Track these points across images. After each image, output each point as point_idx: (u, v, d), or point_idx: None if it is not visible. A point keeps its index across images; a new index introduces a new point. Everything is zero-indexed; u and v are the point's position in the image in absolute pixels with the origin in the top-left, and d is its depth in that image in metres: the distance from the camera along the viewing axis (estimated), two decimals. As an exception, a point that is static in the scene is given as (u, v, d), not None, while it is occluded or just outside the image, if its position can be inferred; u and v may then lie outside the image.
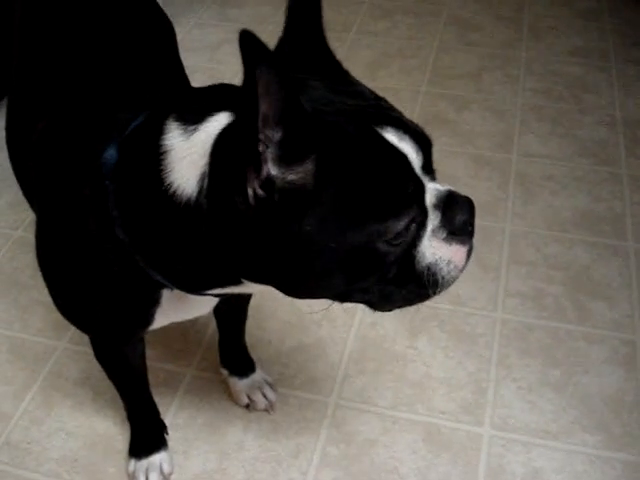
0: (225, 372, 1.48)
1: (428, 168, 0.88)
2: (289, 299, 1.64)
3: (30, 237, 1.08)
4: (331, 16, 2.80)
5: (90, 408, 1.48)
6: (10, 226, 1.89)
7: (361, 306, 1.63)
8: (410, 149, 0.83)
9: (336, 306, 1.00)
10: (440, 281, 0.89)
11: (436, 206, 0.87)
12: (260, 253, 0.83)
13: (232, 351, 1.47)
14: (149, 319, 1.05)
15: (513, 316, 1.64)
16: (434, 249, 0.87)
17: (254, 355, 1.50)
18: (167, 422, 1.42)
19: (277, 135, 0.75)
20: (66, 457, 1.40)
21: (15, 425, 1.45)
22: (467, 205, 0.90)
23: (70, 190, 0.96)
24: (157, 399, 1.38)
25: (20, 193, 1.20)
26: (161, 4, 1.40)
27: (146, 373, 1.31)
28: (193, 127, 0.84)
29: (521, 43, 2.59)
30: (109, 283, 0.98)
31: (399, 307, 0.93)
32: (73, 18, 1.21)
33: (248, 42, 0.66)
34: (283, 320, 1.63)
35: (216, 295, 1.00)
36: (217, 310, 1.32)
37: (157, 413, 1.39)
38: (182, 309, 1.06)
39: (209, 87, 0.92)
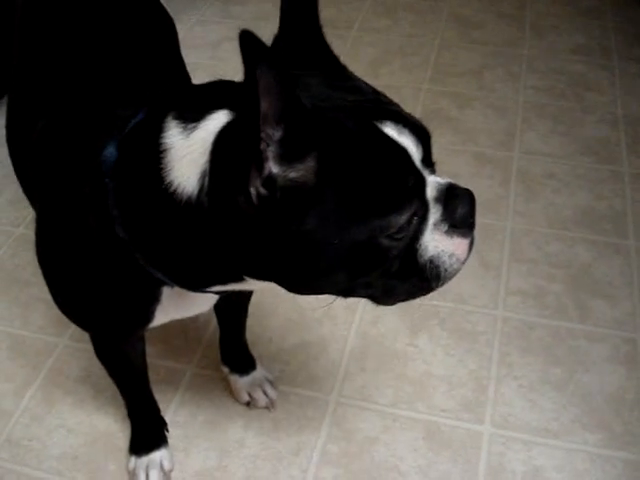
0: (226, 369, 1.48)
1: (428, 161, 0.88)
2: (290, 296, 1.64)
3: (31, 234, 1.08)
4: (333, 13, 2.82)
5: (91, 405, 1.48)
6: (11, 223, 1.89)
7: (362, 304, 1.64)
8: (410, 143, 0.84)
9: (337, 304, 1.00)
10: (443, 274, 0.89)
11: (437, 199, 0.87)
12: (262, 250, 0.83)
13: (233, 348, 1.47)
14: (149, 317, 1.04)
15: (514, 314, 1.64)
16: (436, 242, 0.87)
17: (255, 352, 1.50)
18: (167, 419, 1.42)
19: (278, 133, 0.75)
20: (67, 454, 1.40)
21: (16, 422, 1.45)
22: (468, 197, 0.90)
23: (70, 188, 0.96)
24: (157, 396, 1.38)
25: (21, 190, 1.20)
26: (163, 1, 1.40)
27: (146, 370, 1.31)
28: (193, 125, 0.84)
29: (523, 41, 2.59)
30: (109, 281, 0.98)
31: (402, 301, 0.94)
32: (74, 15, 1.21)
33: (248, 42, 0.66)
34: (284, 317, 1.63)
35: (217, 292, 1.00)
36: (218, 307, 1.32)
37: (157, 410, 1.39)
38: (182, 306, 1.06)
39: (207, 84, 0.92)
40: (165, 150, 0.84)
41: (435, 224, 0.87)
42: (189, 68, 1.37)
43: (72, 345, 1.58)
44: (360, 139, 0.81)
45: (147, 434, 1.38)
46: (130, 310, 1.04)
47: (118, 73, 1.10)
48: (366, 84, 0.91)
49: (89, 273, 0.98)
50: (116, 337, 1.18)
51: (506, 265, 1.75)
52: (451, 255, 0.88)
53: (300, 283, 0.89)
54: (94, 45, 1.15)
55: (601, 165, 2.04)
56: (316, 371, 1.52)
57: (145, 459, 1.36)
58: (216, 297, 1.09)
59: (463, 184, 0.91)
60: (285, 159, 0.77)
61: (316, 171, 0.78)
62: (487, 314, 1.64)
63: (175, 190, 0.84)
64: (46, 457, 1.39)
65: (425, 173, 0.86)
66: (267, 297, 1.66)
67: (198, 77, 1.18)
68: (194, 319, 1.57)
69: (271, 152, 0.76)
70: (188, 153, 0.83)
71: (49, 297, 1.08)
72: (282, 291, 0.91)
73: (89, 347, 1.23)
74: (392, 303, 0.94)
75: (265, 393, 1.46)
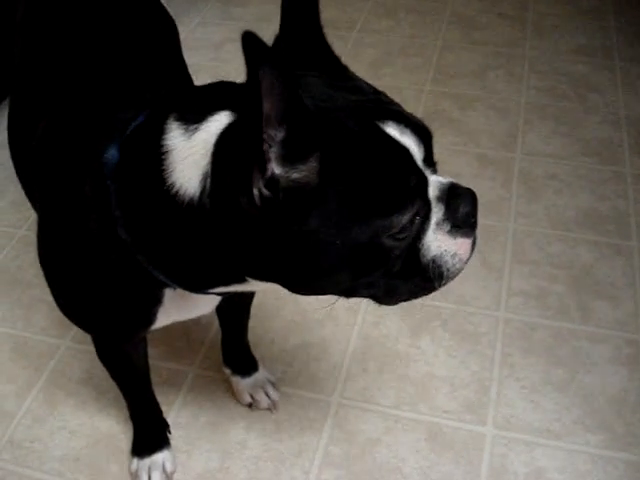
0: (228, 371, 1.48)
1: (429, 161, 0.88)
2: (292, 298, 1.65)
3: (34, 236, 1.08)
4: (334, 14, 2.82)
5: (93, 407, 1.48)
6: (14, 225, 1.89)
7: (364, 305, 1.64)
8: (412, 143, 0.84)
9: (339, 305, 1.00)
10: (445, 273, 0.89)
11: (439, 199, 0.87)
12: (265, 251, 0.83)
13: (235, 350, 1.47)
14: (151, 318, 1.04)
15: (516, 315, 1.63)
16: (439, 242, 0.87)
17: (257, 354, 1.50)
18: (170, 421, 1.42)
19: (280, 134, 0.75)
20: (69, 456, 1.40)
21: (18, 424, 1.45)
22: (469, 197, 0.90)
23: (72, 190, 0.96)
24: (160, 398, 1.38)
25: (23, 192, 1.20)
26: (164, 2, 1.40)
27: (148, 372, 1.31)
28: (194, 127, 0.84)
29: (525, 42, 2.58)
30: (111, 283, 0.98)
31: (404, 300, 0.94)
32: (75, 17, 1.21)
33: (250, 43, 0.66)
34: (286, 319, 1.63)
35: (219, 294, 1.00)
36: (220, 309, 1.32)
37: (160, 412, 1.39)
38: (185, 308, 1.06)
39: (208, 85, 0.92)
40: (167, 152, 0.84)
41: (437, 224, 0.87)
42: (191, 70, 1.37)
43: (74, 347, 1.59)
44: (362, 139, 0.81)
45: (149, 436, 1.38)
46: (132, 312, 1.04)
47: (119, 75, 1.10)
48: (367, 84, 0.91)
49: (91, 275, 0.98)
50: (118, 339, 1.18)
51: (508, 266, 1.75)
52: (454, 255, 0.88)
53: (302, 283, 0.89)
54: (95, 47, 1.15)
55: (603, 166, 2.04)
56: (318, 372, 1.52)
57: (147, 461, 1.36)
58: (218, 299, 1.09)
59: (465, 185, 0.92)
60: (287, 160, 0.77)
61: (318, 171, 0.78)
62: (489, 315, 1.64)
63: (177, 192, 0.84)
64: (48, 459, 1.39)
65: (427, 173, 0.86)
66: (269, 299, 1.66)
67: (200, 79, 1.18)
68: (196, 321, 1.57)
69: (273, 153, 0.76)
70: (190, 155, 0.83)
71: (51, 299, 1.08)
72: (284, 292, 0.91)
73: (91, 349, 1.23)
74: (394, 303, 0.94)
75: (267, 395, 1.46)
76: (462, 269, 0.90)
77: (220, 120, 0.83)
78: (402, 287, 0.90)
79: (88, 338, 1.22)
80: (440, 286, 0.91)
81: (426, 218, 0.86)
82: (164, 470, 1.36)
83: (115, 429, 1.44)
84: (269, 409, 1.46)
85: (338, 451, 1.39)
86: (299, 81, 0.81)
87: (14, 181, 1.22)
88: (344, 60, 0.94)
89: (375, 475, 1.36)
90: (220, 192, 0.81)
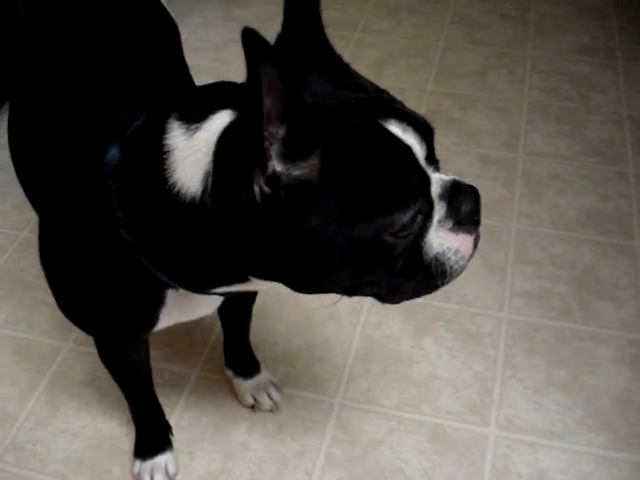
0: (230, 373, 1.47)
1: (432, 158, 0.88)
2: (295, 299, 1.65)
3: (36, 238, 1.08)
4: (336, 15, 2.82)
5: (95, 409, 1.48)
6: (16, 227, 1.89)
7: (367, 306, 1.63)
8: (414, 141, 0.83)
9: (342, 307, 0.99)
10: (448, 271, 0.89)
11: (441, 196, 0.87)
12: (267, 250, 0.83)
13: (237, 351, 1.47)
14: (154, 320, 1.04)
15: (519, 316, 1.63)
16: (441, 239, 0.87)
17: (259, 355, 1.50)
18: (172, 423, 1.42)
19: (281, 131, 0.75)
20: (71, 458, 1.40)
21: (20, 426, 1.45)
22: (472, 194, 0.89)
23: (73, 191, 0.96)
24: (162, 400, 1.38)
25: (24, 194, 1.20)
26: (166, 3, 1.40)
27: (150, 374, 1.30)
28: (195, 126, 0.84)
29: (527, 41, 2.58)
30: (113, 284, 0.98)
31: (407, 299, 0.94)
32: (76, 18, 1.21)
33: (250, 39, 0.65)
34: (288, 320, 1.63)
35: (221, 294, 0.99)
36: (222, 310, 1.32)
37: (162, 414, 1.39)
38: (187, 309, 1.06)
39: (210, 85, 0.92)
40: (168, 151, 0.84)
41: (440, 221, 0.87)
42: (193, 71, 1.37)
43: (77, 349, 1.58)
44: (364, 137, 0.81)
45: (152, 438, 1.38)
46: (134, 313, 1.04)
47: (120, 76, 1.10)
48: (369, 82, 0.91)
49: (92, 276, 0.98)
50: (120, 341, 1.18)
51: (511, 267, 1.75)
52: (456, 252, 0.88)
53: (304, 282, 0.89)
54: (97, 48, 1.15)
55: (606, 166, 2.03)
56: (321, 374, 1.52)
57: (150, 463, 1.36)
58: (220, 299, 1.09)
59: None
60: (289, 157, 0.77)
61: (320, 169, 0.78)
62: (492, 316, 1.63)
63: (179, 191, 0.84)
64: (51, 461, 1.39)
65: (429, 171, 0.86)
66: (271, 300, 1.66)
67: (202, 80, 1.18)
68: (198, 322, 1.57)
69: (274, 150, 0.76)
70: (191, 154, 0.83)
71: (53, 301, 1.08)
72: (287, 293, 0.91)
73: (94, 351, 1.23)
74: (397, 302, 0.93)
75: (269, 396, 1.46)
76: (465, 267, 0.90)
77: (221, 119, 0.83)
78: (405, 286, 0.90)
79: (90, 340, 1.22)
80: (443, 284, 0.90)
81: (428, 216, 0.86)
82: (166, 472, 1.36)
83: (117, 431, 1.44)
84: (271, 410, 1.45)
85: (341, 452, 1.39)
86: (301, 79, 0.81)
87: (16, 183, 1.22)
88: (346, 60, 0.94)
89: (378, 476, 1.35)
90: (222, 190, 0.81)
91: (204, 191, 0.82)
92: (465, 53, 2.53)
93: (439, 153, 0.89)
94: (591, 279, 1.71)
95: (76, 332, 1.59)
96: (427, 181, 0.85)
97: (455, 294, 1.67)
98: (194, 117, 0.84)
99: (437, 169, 0.89)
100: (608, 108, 2.25)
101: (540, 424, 1.42)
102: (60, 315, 1.09)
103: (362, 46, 2.56)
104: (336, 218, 0.80)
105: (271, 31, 0.85)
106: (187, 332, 1.59)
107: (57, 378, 1.53)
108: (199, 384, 1.52)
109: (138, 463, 1.37)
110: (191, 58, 1.43)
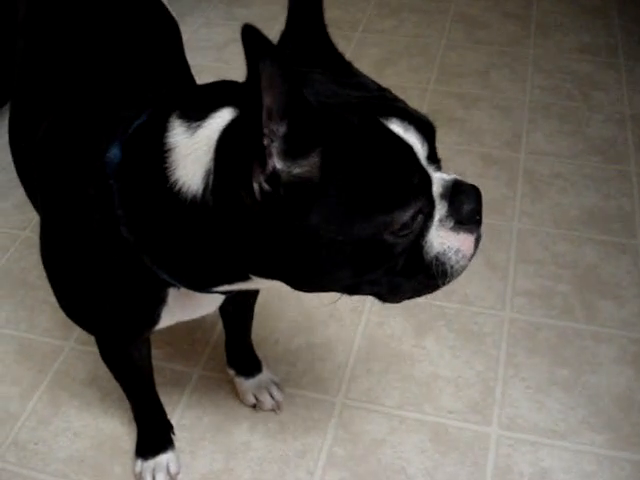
0: (232, 372, 1.47)
1: (433, 157, 0.87)
2: (296, 298, 1.65)
3: (37, 238, 1.08)
4: (338, 14, 2.81)
5: (97, 408, 1.48)
6: (17, 227, 1.89)
7: (368, 305, 1.63)
8: (415, 140, 0.83)
9: (343, 306, 0.99)
10: (449, 271, 0.88)
11: (443, 196, 0.87)
12: (267, 248, 0.83)
13: (238, 351, 1.47)
14: (155, 319, 1.04)
15: (521, 315, 1.63)
16: (442, 239, 0.87)
17: (261, 354, 1.50)
18: (174, 422, 1.42)
19: (282, 129, 0.75)
20: (73, 457, 1.40)
21: (22, 425, 1.45)
22: (474, 193, 0.89)
23: (74, 190, 0.96)
24: (164, 399, 1.38)
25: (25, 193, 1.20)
26: (167, 3, 1.40)
27: (152, 373, 1.30)
28: (196, 124, 0.84)
29: (529, 40, 2.58)
30: (114, 283, 0.98)
31: (408, 298, 0.93)
32: (77, 17, 1.21)
33: (250, 36, 0.65)
34: (290, 319, 1.63)
35: (223, 292, 0.99)
36: (223, 309, 1.32)
37: (164, 413, 1.39)
38: (188, 308, 1.06)
39: (211, 84, 0.92)
40: (169, 149, 0.84)
41: (441, 220, 0.87)
42: (194, 70, 1.37)
43: (78, 348, 1.58)
44: (365, 135, 0.81)
45: (153, 437, 1.38)
46: (136, 312, 1.04)
47: (121, 75, 1.10)
48: (372, 81, 0.91)
49: (94, 275, 0.98)
50: (122, 340, 1.18)
51: (513, 266, 1.74)
52: (457, 251, 0.88)
53: (305, 280, 0.89)
54: (98, 48, 1.15)
55: (608, 165, 2.03)
56: (322, 373, 1.52)
57: (151, 462, 1.36)
58: (222, 298, 1.09)
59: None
60: (289, 155, 0.76)
61: (320, 167, 0.78)
62: (494, 315, 1.63)
63: (180, 189, 0.84)
64: (52, 460, 1.39)
65: (430, 170, 0.86)
66: (273, 299, 1.66)
67: (203, 79, 1.17)
68: (200, 321, 1.57)
69: (275, 148, 0.75)
70: (192, 152, 0.83)
71: (55, 300, 1.08)
72: (288, 292, 0.90)
73: (95, 350, 1.23)
74: (398, 301, 0.93)
75: (271, 395, 1.46)
76: (466, 266, 0.90)
77: (222, 117, 0.83)
78: (406, 285, 0.90)
79: (92, 339, 1.22)
80: (444, 284, 0.90)
81: (429, 215, 0.86)
82: (168, 471, 1.36)
83: (119, 430, 1.44)
84: (273, 410, 1.45)
85: (342, 452, 1.39)
86: (302, 77, 0.81)
87: (17, 183, 1.22)
88: (348, 59, 0.93)
89: (380, 476, 1.35)
90: (223, 188, 0.81)
91: (205, 189, 0.82)
92: (467, 52, 2.53)
93: (441, 152, 0.89)
94: (593, 278, 1.71)
95: (77, 331, 1.59)
96: (428, 180, 0.85)
97: (457, 293, 1.66)
98: (195, 115, 0.84)
99: (439, 168, 0.89)
100: (610, 107, 2.25)
101: (542, 423, 1.42)
102: (61, 314, 1.09)
103: (364, 45, 2.56)
104: (336, 216, 0.79)
105: (273, 30, 0.84)
106: (189, 331, 1.59)
107: (59, 377, 1.53)
108: (201, 383, 1.52)
109: (140, 462, 1.37)
110: (193, 58, 1.44)
